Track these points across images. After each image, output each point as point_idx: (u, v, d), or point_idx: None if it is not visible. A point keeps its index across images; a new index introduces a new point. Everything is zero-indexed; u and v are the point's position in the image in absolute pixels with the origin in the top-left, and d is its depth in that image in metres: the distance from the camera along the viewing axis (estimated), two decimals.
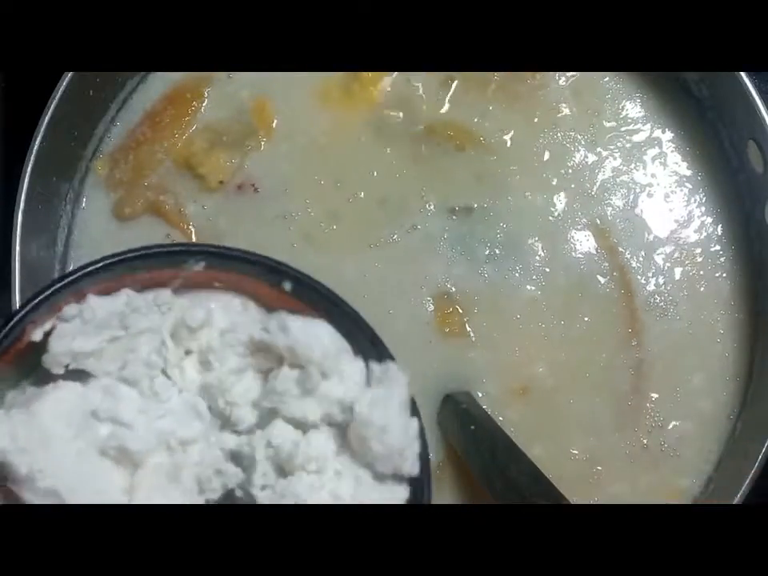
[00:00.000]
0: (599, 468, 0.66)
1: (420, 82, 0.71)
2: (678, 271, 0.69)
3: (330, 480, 0.44)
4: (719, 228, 0.70)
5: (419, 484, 0.45)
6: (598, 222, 0.70)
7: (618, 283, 0.69)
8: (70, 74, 0.64)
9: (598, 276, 0.69)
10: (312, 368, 0.44)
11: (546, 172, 0.70)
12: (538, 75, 0.71)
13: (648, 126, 0.71)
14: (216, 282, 0.49)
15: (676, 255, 0.69)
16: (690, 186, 0.71)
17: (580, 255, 0.69)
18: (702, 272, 0.69)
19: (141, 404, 0.44)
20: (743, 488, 0.61)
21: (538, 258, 0.69)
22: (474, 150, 0.70)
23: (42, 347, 0.45)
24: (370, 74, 0.70)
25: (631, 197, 0.70)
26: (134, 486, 0.43)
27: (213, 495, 0.44)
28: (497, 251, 0.69)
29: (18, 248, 0.62)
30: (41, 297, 0.45)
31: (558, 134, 0.71)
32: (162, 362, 0.45)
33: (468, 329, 0.68)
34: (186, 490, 0.43)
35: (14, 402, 0.44)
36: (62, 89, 0.64)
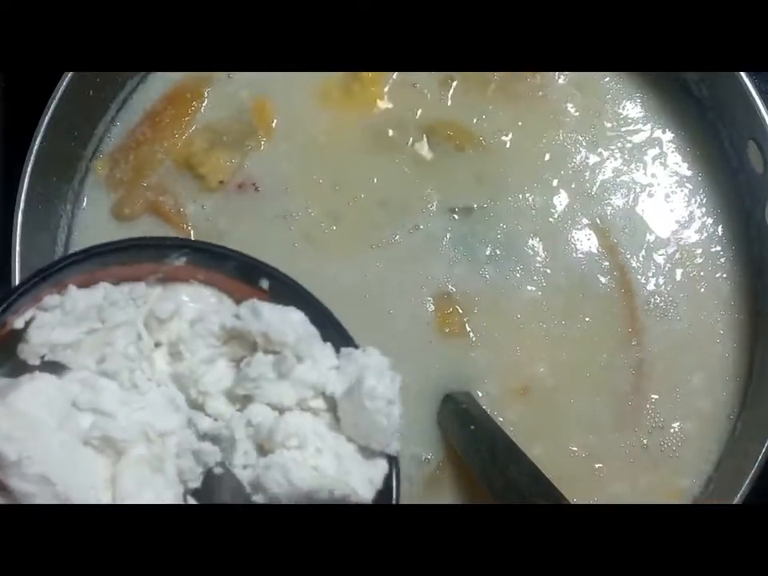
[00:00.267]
0: (599, 468, 0.66)
1: (420, 81, 0.71)
2: (678, 271, 0.69)
3: (311, 456, 0.44)
4: (719, 228, 0.70)
5: (393, 461, 0.47)
6: (599, 222, 0.70)
7: (619, 283, 0.69)
8: (69, 74, 0.64)
9: (599, 276, 0.69)
10: (287, 351, 0.45)
11: (547, 172, 0.70)
12: (538, 75, 0.71)
13: (648, 126, 0.71)
14: (195, 277, 0.49)
15: (676, 255, 0.69)
16: (691, 186, 0.71)
17: (581, 255, 0.69)
18: (702, 272, 0.69)
19: (121, 396, 0.45)
20: (743, 488, 0.61)
21: (538, 258, 0.69)
22: (473, 150, 0.70)
23: (16, 339, 0.45)
24: (370, 73, 0.70)
25: (631, 197, 0.70)
26: (116, 476, 0.43)
27: (194, 484, 0.45)
28: (497, 251, 0.69)
29: (17, 248, 0.62)
30: (23, 286, 0.45)
31: (559, 135, 0.71)
32: (139, 354, 0.46)
33: (468, 329, 0.67)
34: (168, 480, 0.44)
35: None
36: (62, 89, 0.64)
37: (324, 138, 0.70)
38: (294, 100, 0.70)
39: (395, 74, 0.71)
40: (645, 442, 0.67)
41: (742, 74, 0.65)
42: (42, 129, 0.63)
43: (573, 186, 0.70)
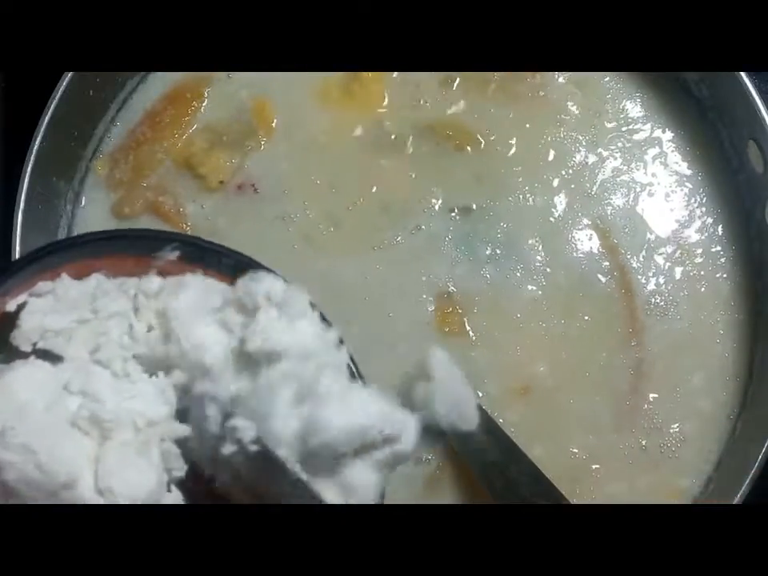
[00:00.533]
0: (599, 468, 0.66)
1: (420, 81, 0.71)
2: (678, 271, 0.69)
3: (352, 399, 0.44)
4: (719, 228, 0.70)
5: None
6: (599, 222, 0.69)
7: (619, 283, 0.69)
8: (69, 74, 0.64)
9: (599, 276, 0.69)
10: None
11: (547, 172, 0.70)
12: (539, 75, 0.71)
13: (648, 125, 0.71)
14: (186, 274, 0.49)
15: (676, 255, 0.69)
16: (691, 186, 0.71)
17: (581, 255, 0.69)
18: (702, 272, 0.69)
19: (113, 383, 0.45)
20: (743, 488, 0.61)
21: (538, 257, 0.69)
22: (473, 150, 0.70)
23: (10, 326, 0.45)
24: (370, 73, 0.70)
25: (632, 196, 0.70)
26: (100, 456, 0.43)
27: (179, 473, 0.45)
28: (498, 251, 0.69)
29: (17, 248, 0.62)
30: (15, 267, 0.45)
31: (559, 134, 0.71)
32: (133, 344, 0.46)
33: (468, 328, 0.67)
34: (151, 464, 0.44)
35: None
36: (62, 89, 0.64)
37: (324, 137, 0.70)
38: (294, 100, 0.70)
39: (395, 74, 0.71)
40: (644, 442, 0.66)
41: (742, 73, 0.65)
42: (42, 129, 0.63)
43: (573, 185, 0.70)
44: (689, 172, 0.71)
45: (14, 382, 0.43)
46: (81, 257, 0.47)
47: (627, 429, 0.66)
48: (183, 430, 0.45)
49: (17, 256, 0.62)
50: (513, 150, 0.70)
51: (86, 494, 0.42)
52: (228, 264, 0.49)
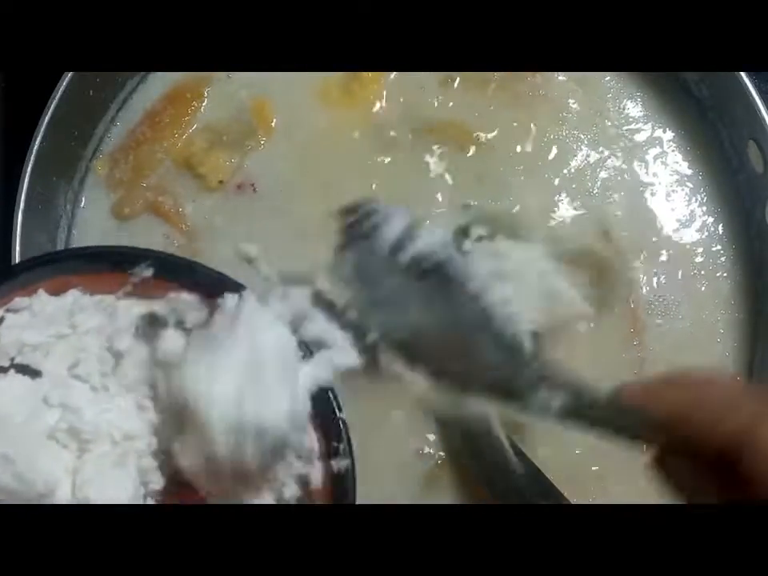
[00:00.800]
0: (600, 468, 0.66)
1: (420, 81, 0.71)
2: (678, 271, 0.69)
3: None
4: (720, 228, 0.70)
5: None
6: (600, 221, 0.69)
7: (620, 282, 0.69)
8: (69, 74, 0.64)
9: None
10: None
11: (548, 172, 0.70)
12: (539, 75, 0.71)
13: (649, 125, 0.71)
14: (167, 293, 0.49)
15: (677, 255, 0.69)
16: (691, 186, 0.71)
17: (581, 255, 0.69)
18: (702, 271, 0.69)
19: (91, 396, 0.45)
20: None
21: None
22: (474, 150, 0.70)
23: None
24: (370, 73, 0.70)
25: (632, 196, 0.70)
26: (77, 468, 0.44)
27: (156, 486, 0.45)
28: None
29: (17, 248, 0.62)
30: None
31: (560, 134, 0.71)
32: (111, 358, 0.46)
33: None
34: (129, 476, 0.44)
35: None
36: (62, 89, 0.64)
37: (323, 137, 0.70)
38: (293, 100, 0.71)
39: (395, 74, 0.71)
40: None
41: (742, 73, 0.65)
42: (42, 129, 0.63)
43: (574, 185, 0.70)
44: (689, 172, 0.71)
45: None
46: (57, 273, 0.47)
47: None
48: (157, 443, 0.45)
49: (17, 256, 0.62)
50: (513, 150, 0.70)
51: (64, 503, 0.42)
52: (202, 280, 0.49)
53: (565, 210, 0.69)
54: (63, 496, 0.43)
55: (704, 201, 0.70)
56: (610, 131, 0.71)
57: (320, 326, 0.46)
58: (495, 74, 0.71)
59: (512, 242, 0.46)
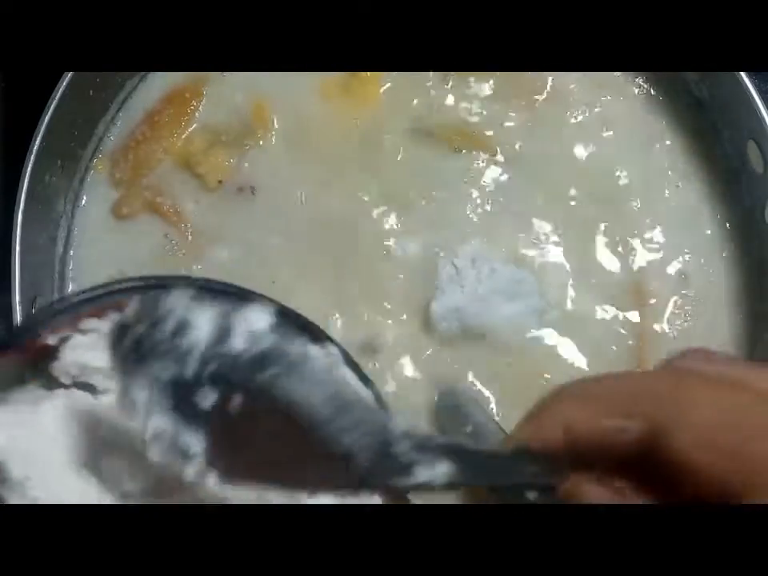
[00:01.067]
0: None
1: (419, 81, 0.71)
2: (678, 271, 0.69)
3: None
4: (720, 228, 0.70)
5: None
6: (601, 222, 0.69)
7: (625, 284, 0.69)
8: (70, 74, 0.64)
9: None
10: None
11: (549, 172, 0.70)
12: (540, 75, 0.71)
13: (649, 125, 0.71)
14: None
15: (676, 255, 0.69)
16: (691, 187, 0.71)
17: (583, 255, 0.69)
18: (702, 272, 0.69)
19: None
20: None
21: None
22: (474, 151, 0.70)
23: (53, 353, 0.45)
24: (369, 73, 0.70)
25: (632, 197, 0.70)
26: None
27: None
28: None
29: (17, 248, 0.62)
30: (64, 305, 0.45)
31: (561, 134, 0.71)
32: None
33: None
34: None
35: (19, 400, 0.45)
36: (61, 89, 0.64)
37: (323, 136, 0.70)
38: (292, 99, 0.70)
39: (395, 74, 0.71)
40: None
41: (742, 73, 0.65)
42: (42, 129, 0.63)
43: (575, 185, 0.70)
44: (689, 172, 0.71)
45: (46, 413, 0.43)
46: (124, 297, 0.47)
47: None
48: None
49: (17, 256, 0.62)
50: (513, 150, 0.70)
51: None
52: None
53: (566, 211, 0.69)
54: None
55: (704, 201, 0.70)
56: (610, 132, 0.71)
57: None
58: (496, 73, 0.70)
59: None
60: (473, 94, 0.71)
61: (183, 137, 0.70)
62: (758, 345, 0.68)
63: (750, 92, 0.65)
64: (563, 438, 0.37)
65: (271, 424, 0.39)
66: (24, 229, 0.63)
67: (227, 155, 0.69)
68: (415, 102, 0.71)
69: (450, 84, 0.71)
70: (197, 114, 0.71)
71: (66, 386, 0.45)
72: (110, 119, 0.70)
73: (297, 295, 0.66)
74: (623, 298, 0.68)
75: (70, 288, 0.68)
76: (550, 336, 0.68)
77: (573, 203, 0.70)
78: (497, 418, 0.65)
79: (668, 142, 0.71)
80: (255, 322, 0.40)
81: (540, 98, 0.71)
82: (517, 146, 0.70)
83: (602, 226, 0.69)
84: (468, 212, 0.69)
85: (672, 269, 0.69)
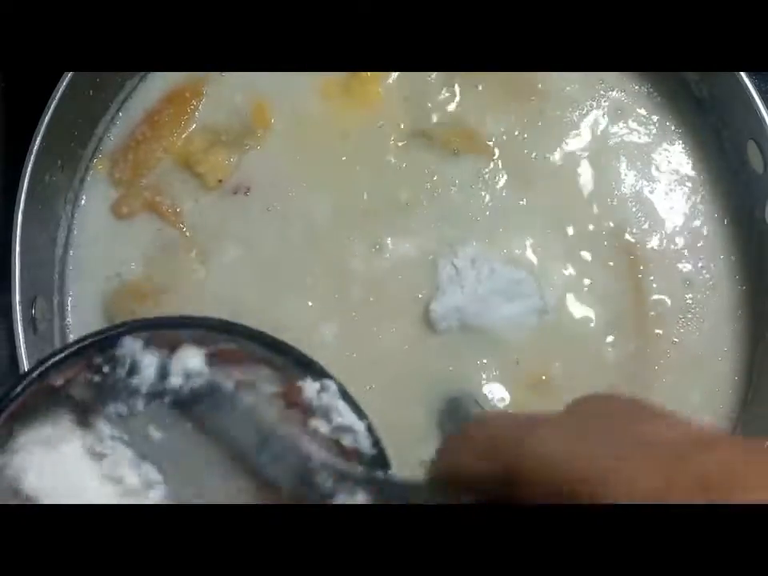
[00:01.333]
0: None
1: (420, 81, 0.71)
2: (678, 271, 0.69)
3: None
4: (720, 228, 0.70)
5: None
6: (602, 223, 0.69)
7: (628, 284, 0.69)
8: (70, 74, 0.64)
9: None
10: None
11: (549, 173, 0.70)
12: (541, 75, 0.71)
13: (648, 125, 0.71)
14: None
15: (676, 255, 0.69)
16: (690, 186, 0.71)
17: (581, 256, 0.69)
18: (702, 273, 0.69)
19: None
20: None
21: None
22: (474, 151, 0.70)
23: (59, 392, 0.45)
24: (369, 73, 0.70)
25: (632, 197, 0.70)
26: None
27: None
28: None
29: (17, 248, 0.62)
30: (72, 350, 0.45)
31: (561, 134, 0.71)
32: None
33: None
34: None
35: (31, 441, 0.45)
36: (62, 89, 0.64)
37: (323, 136, 0.70)
38: (292, 99, 0.70)
39: (395, 74, 0.71)
40: None
41: (742, 73, 0.65)
42: (42, 129, 0.63)
43: (576, 185, 0.70)
44: (688, 172, 0.71)
45: (69, 453, 0.44)
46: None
47: None
48: None
49: (17, 256, 0.62)
50: (514, 151, 0.70)
51: None
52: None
53: (567, 212, 0.69)
54: None
55: (704, 201, 0.70)
56: (610, 131, 0.71)
57: None
58: (497, 73, 0.70)
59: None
60: (473, 95, 0.71)
61: (183, 136, 0.70)
62: (758, 345, 0.68)
63: (749, 92, 0.65)
64: (451, 475, 0.39)
65: (207, 454, 0.44)
66: (24, 229, 0.63)
67: (227, 155, 0.69)
68: (415, 102, 0.71)
69: (450, 84, 0.71)
70: (197, 113, 0.70)
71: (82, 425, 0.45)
72: (110, 119, 0.70)
73: (297, 295, 0.67)
74: (623, 300, 0.68)
75: (70, 288, 0.68)
76: (549, 337, 0.68)
77: (573, 204, 0.70)
78: None
79: (668, 143, 0.71)
80: (189, 362, 0.44)
81: (539, 98, 0.71)
82: (516, 147, 0.70)
83: (603, 227, 0.69)
84: (468, 213, 0.69)
85: (672, 269, 0.69)
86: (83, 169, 0.69)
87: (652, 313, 0.68)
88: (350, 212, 0.69)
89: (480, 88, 0.71)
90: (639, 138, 0.71)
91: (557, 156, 0.70)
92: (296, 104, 0.70)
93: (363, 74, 0.70)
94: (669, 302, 0.68)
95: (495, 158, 0.70)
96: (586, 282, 0.68)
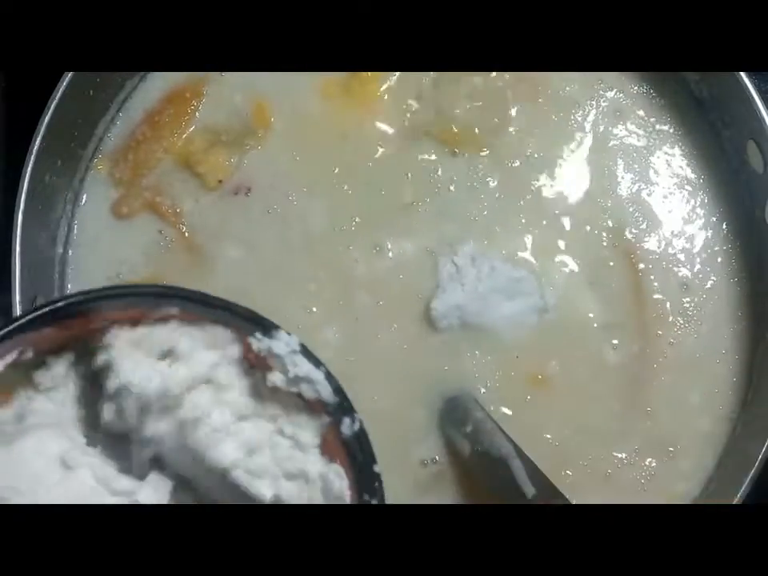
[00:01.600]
0: (600, 468, 0.66)
1: (420, 81, 0.71)
2: (679, 271, 0.69)
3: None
4: (720, 228, 0.70)
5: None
6: (605, 225, 0.69)
7: (629, 284, 0.69)
8: (70, 74, 0.64)
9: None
10: None
11: (551, 172, 0.70)
12: (541, 75, 0.71)
13: (648, 125, 0.71)
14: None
15: (677, 256, 0.69)
16: (691, 188, 0.71)
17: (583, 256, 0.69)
18: (702, 273, 0.69)
19: None
20: (743, 488, 0.61)
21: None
22: (474, 151, 0.70)
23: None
24: (369, 73, 0.70)
25: (633, 198, 0.70)
26: None
27: None
28: None
29: (18, 248, 0.62)
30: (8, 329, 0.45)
31: (562, 134, 0.71)
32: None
33: None
34: None
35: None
36: (62, 89, 0.64)
37: (322, 136, 0.70)
38: (292, 99, 0.70)
39: (395, 74, 0.71)
40: (644, 441, 0.67)
41: (742, 73, 0.65)
42: (42, 129, 0.63)
43: (574, 186, 0.70)
44: (689, 172, 0.71)
45: (26, 449, 0.44)
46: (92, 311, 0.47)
47: (630, 426, 0.67)
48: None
49: (17, 256, 0.62)
50: (515, 152, 0.70)
51: None
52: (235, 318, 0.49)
53: (567, 212, 0.69)
54: None
55: (704, 202, 0.70)
56: (611, 131, 0.71)
57: None
58: (497, 73, 0.70)
59: None
60: (472, 95, 0.71)
61: (183, 137, 0.70)
62: (758, 346, 0.68)
63: (749, 92, 0.65)
64: None
65: None
66: (24, 229, 0.63)
67: (227, 155, 0.69)
68: (415, 102, 0.71)
69: (450, 85, 0.71)
70: (197, 114, 0.70)
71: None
72: (110, 119, 0.70)
73: (297, 295, 0.67)
74: (623, 300, 0.68)
75: (70, 287, 0.68)
76: (549, 336, 0.68)
77: (573, 204, 0.70)
78: (495, 416, 0.65)
79: (668, 143, 0.71)
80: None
81: (539, 98, 0.71)
82: (516, 147, 0.70)
83: (603, 227, 0.69)
84: (467, 212, 0.69)
85: (672, 270, 0.69)
86: (83, 169, 0.69)
87: (653, 314, 0.68)
88: (350, 212, 0.69)
89: (480, 88, 0.70)
90: (639, 137, 0.71)
91: (557, 156, 0.70)
92: (296, 104, 0.70)
93: (363, 73, 0.70)
94: (669, 302, 0.68)
95: (495, 157, 0.70)
96: (586, 281, 0.68)
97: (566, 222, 0.69)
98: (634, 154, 0.71)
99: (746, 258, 0.69)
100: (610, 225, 0.69)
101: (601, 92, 0.71)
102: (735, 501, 0.61)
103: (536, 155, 0.70)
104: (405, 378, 0.66)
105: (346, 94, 0.71)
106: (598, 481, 0.66)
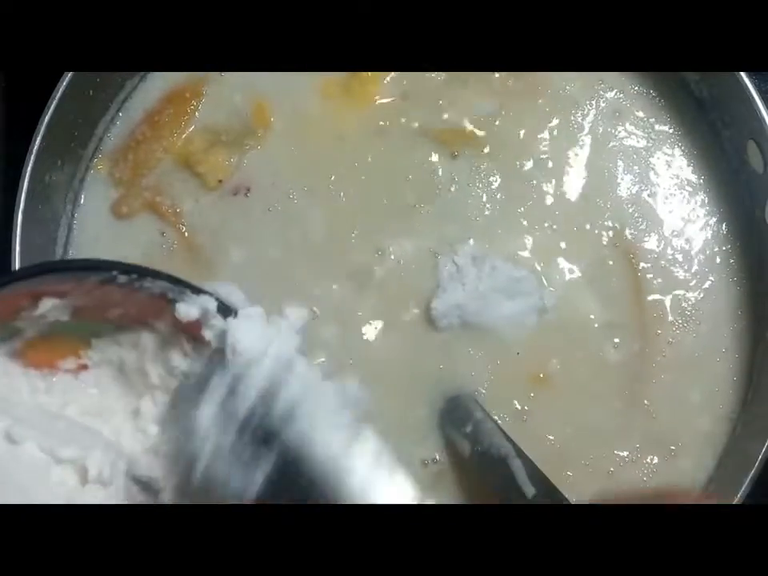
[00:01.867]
0: (602, 467, 0.66)
1: (420, 81, 0.71)
2: (679, 271, 0.69)
3: None
4: (720, 228, 0.70)
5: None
6: (605, 225, 0.69)
7: (630, 285, 0.69)
8: (70, 74, 0.64)
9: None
10: None
11: (551, 173, 0.70)
12: (541, 75, 0.71)
13: (649, 126, 0.71)
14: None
15: (677, 255, 0.69)
16: (691, 188, 0.70)
17: (583, 257, 0.69)
18: (702, 273, 0.69)
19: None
20: (743, 488, 0.61)
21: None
22: (475, 152, 0.70)
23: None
24: (369, 73, 0.70)
25: (632, 198, 0.70)
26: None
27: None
28: None
29: (18, 247, 0.62)
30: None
31: (562, 135, 0.70)
32: None
33: None
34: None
35: None
36: (62, 89, 0.64)
37: (322, 136, 0.70)
38: (292, 99, 0.70)
39: (395, 74, 0.71)
40: (644, 441, 0.67)
41: (742, 73, 0.65)
42: (42, 129, 0.63)
43: (577, 186, 0.70)
44: (689, 172, 0.71)
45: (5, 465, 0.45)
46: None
47: (630, 425, 0.67)
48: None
49: (17, 256, 0.62)
50: (515, 152, 0.70)
51: None
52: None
53: (568, 212, 0.69)
54: None
55: (704, 202, 0.70)
56: (611, 132, 0.71)
57: None
58: (497, 73, 0.70)
59: None
60: (472, 95, 0.71)
61: (183, 137, 0.70)
62: (758, 345, 0.68)
63: (749, 92, 0.65)
64: None
65: None
66: (24, 229, 0.63)
67: (227, 155, 0.69)
68: (414, 102, 0.71)
69: (450, 85, 0.71)
70: (197, 114, 0.70)
71: None
72: (110, 119, 0.70)
73: (298, 295, 0.67)
74: (623, 299, 0.68)
75: None
76: (549, 335, 0.68)
77: (573, 204, 0.70)
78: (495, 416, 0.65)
79: (668, 143, 0.71)
80: None
81: (539, 98, 0.71)
82: (516, 147, 0.70)
83: (603, 227, 0.69)
84: (468, 212, 0.69)
85: (672, 269, 0.69)
86: (83, 169, 0.69)
87: (652, 313, 0.68)
88: (351, 212, 0.69)
89: (479, 88, 0.70)
90: (639, 138, 0.71)
91: (557, 156, 0.70)
92: (296, 104, 0.70)
93: (363, 73, 0.70)
94: (668, 302, 0.68)
95: (495, 157, 0.70)
96: (586, 281, 0.68)
97: (567, 222, 0.69)
98: (634, 155, 0.71)
99: (745, 258, 0.69)
100: (610, 225, 0.69)
101: (601, 92, 0.71)
102: (735, 501, 0.61)
103: (536, 156, 0.70)
104: (405, 378, 0.66)
105: (345, 94, 0.71)
106: (600, 479, 0.66)
